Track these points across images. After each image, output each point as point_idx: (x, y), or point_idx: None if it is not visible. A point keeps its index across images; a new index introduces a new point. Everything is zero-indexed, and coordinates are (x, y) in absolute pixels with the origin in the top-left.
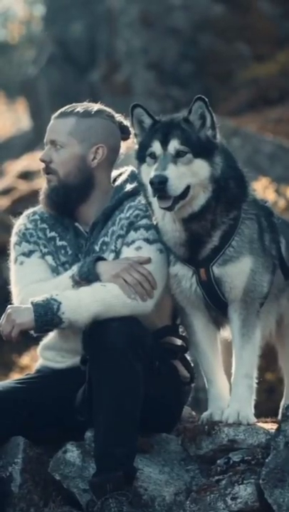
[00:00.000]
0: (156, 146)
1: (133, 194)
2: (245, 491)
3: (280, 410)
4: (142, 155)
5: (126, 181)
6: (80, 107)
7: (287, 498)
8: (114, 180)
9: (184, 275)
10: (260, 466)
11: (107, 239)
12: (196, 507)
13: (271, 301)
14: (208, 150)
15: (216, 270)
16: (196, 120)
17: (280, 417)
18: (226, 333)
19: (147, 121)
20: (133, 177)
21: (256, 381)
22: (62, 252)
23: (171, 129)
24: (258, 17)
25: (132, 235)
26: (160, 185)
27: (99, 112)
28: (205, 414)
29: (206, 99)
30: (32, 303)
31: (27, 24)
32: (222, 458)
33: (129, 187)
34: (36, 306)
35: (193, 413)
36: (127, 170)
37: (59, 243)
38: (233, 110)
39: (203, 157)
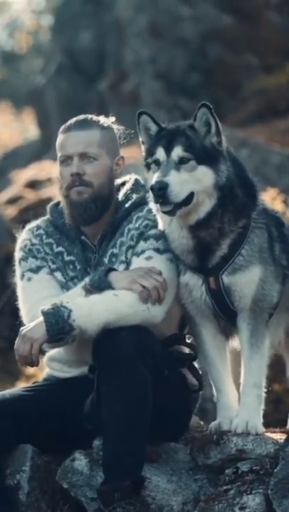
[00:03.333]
0: (160, 153)
1: (140, 204)
2: (253, 501)
3: None
4: (148, 162)
5: (132, 191)
6: (95, 118)
7: None
8: (118, 189)
9: (194, 284)
10: (268, 476)
11: (115, 250)
12: None
13: (280, 311)
14: (212, 157)
15: (226, 279)
16: (201, 127)
17: (288, 426)
18: (234, 342)
19: (153, 129)
20: (138, 186)
21: (265, 391)
22: (71, 267)
23: (176, 136)
24: (266, 28)
25: (142, 245)
26: (160, 191)
27: (112, 124)
28: (213, 424)
29: (211, 106)
30: (42, 312)
31: (34, 34)
32: (230, 467)
33: (135, 197)
34: (47, 315)
35: (201, 422)
36: (131, 179)
37: (67, 258)
38: (241, 121)
39: (207, 164)
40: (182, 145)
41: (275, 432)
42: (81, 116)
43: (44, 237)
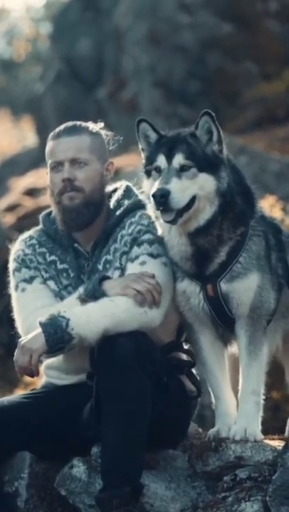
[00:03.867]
0: (161, 160)
1: (132, 210)
2: (251, 508)
3: (287, 427)
4: (148, 169)
5: (123, 197)
6: (84, 125)
7: None
8: (109, 196)
9: (192, 291)
10: (266, 483)
11: (109, 257)
12: None
13: (278, 319)
14: (214, 164)
15: (224, 286)
16: (203, 135)
17: (287, 434)
18: (233, 349)
19: (153, 136)
20: (129, 192)
21: (263, 398)
22: (64, 275)
23: (177, 144)
24: (265, 36)
25: (136, 250)
26: (162, 198)
27: (100, 130)
28: (212, 431)
29: (213, 114)
30: (40, 323)
31: (33, 42)
32: (229, 474)
33: (127, 203)
34: (45, 326)
35: (200, 429)
36: (122, 185)
37: (60, 266)
38: (241, 128)
39: (208, 171)
40: (183, 152)
41: (273, 439)
42: (70, 123)
43: (37, 246)
